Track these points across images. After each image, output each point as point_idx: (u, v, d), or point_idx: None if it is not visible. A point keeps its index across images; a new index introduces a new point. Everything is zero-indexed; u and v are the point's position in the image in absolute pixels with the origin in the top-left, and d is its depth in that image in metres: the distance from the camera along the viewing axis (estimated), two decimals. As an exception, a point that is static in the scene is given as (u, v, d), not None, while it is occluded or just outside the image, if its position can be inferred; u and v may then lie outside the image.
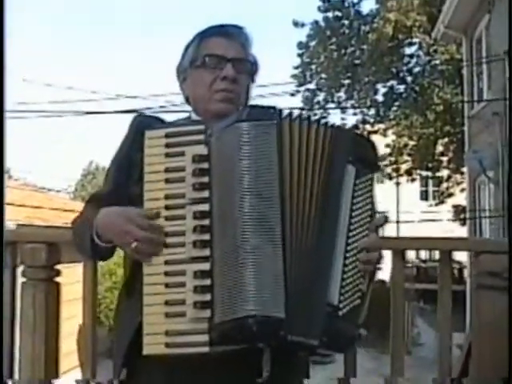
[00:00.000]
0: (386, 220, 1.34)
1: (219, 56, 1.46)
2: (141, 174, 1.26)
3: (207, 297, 1.17)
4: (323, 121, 1.30)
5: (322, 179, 1.25)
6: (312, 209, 1.23)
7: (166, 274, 1.20)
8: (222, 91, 1.45)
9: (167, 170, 1.24)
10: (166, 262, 1.21)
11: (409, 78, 16.59)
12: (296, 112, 1.28)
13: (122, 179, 1.41)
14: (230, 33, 1.50)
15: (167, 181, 1.24)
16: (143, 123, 1.40)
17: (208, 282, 1.18)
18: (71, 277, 2.58)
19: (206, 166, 1.23)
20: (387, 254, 2.30)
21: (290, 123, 1.24)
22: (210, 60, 1.46)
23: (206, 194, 1.22)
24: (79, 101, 13.90)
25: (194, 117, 1.52)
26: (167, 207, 1.23)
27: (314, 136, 1.26)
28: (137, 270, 1.27)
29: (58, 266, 2.15)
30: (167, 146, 1.25)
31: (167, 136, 1.26)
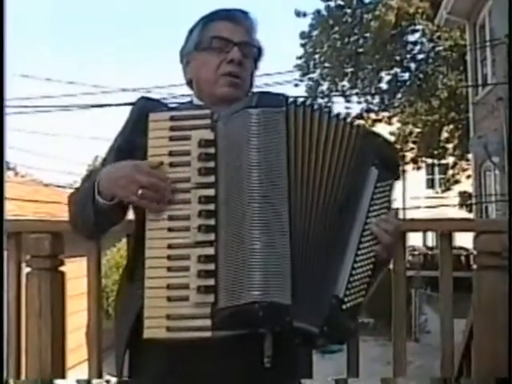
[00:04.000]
0: (396, 213, 1.35)
1: (226, 39, 1.45)
2: (144, 158, 1.24)
3: (211, 281, 1.16)
4: (349, 119, 1.31)
5: (340, 174, 1.24)
6: (321, 198, 1.22)
7: (170, 257, 1.18)
8: (227, 75, 1.44)
9: (171, 154, 1.22)
10: (170, 246, 1.19)
11: (412, 65, 16.53)
12: (304, 99, 1.28)
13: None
14: (236, 17, 1.49)
15: (171, 164, 1.22)
16: (147, 106, 1.38)
17: (212, 266, 1.17)
18: (77, 271, 2.58)
19: (212, 150, 1.22)
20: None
21: (296, 110, 1.23)
22: (216, 42, 1.45)
23: (211, 178, 1.21)
24: (83, 94, 13.89)
25: (196, 101, 1.51)
26: (172, 191, 1.21)
27: (341, 132, 1.26)
28: (138, 253, 1.25)
29: (64, 261, 2.15)
30: (172, 129, 1.23)
31: (172, 119, 1.24)
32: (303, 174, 1.21)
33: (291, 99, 1.24)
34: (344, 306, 1.21)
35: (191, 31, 1.52)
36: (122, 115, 1.48)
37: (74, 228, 1.42)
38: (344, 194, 1.25)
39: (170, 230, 1.20)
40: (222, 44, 1.45)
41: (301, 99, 1.27)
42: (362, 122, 14.41)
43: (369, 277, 1.25)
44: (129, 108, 1.49)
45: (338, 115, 1.28)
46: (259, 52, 1.53)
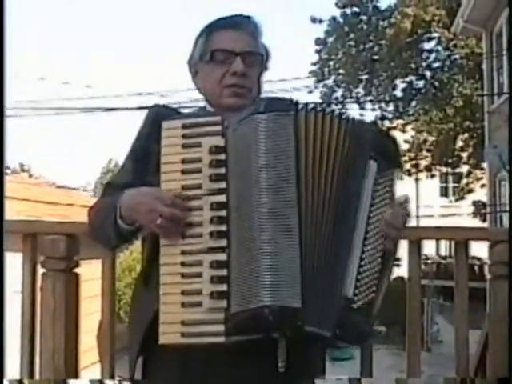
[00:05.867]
0: (407, 200, 1.32)
1: (227, 50, 1.45)
2: (157, 165, 1.26)
3: (223, 287, 1.18)
4: (345, 115, 1.30)
5: (342, 173, 1.25)
6: (330, 202, 1.23)
7: (183, 264, 1.21)
8: (231, 86, 1.45)
9: (184, 161, 1.25)
10: (183, 252, 1.21)
11: (428, 73, 16.47)
12: (312, 104, 1.28)
13: (139, 170, 1.41)
14: (238, 24, 1.48)
15: (184, 172, 1.24)
16: (160, 114, 1.40)
17: (224, 272, 1.18)
18: (92, 273, 2.61)
19: (222, 157, 1.24)
20: (403, 247, 2.28)
21: (306, 115, 1.24)
22: (218, 55, 1.45)
23: (222, 184, 1.23)
24: (98, 98, 13.99)
25: (210, 108, 1.52)
26: (184, 197, 1.23)
27: (336, 130, 1.26)
28: (153, 260, 1.27)
29: (79, 263, 2.18)
30: (184, 136, 1.26)
31: (184, 127, 1.26)
32: (312, 178, 1.22)
33: (301, 104, 1.25)
34: (355, 305, 1.21)
35: (196, 40, 1.52)
36: (137, 119, 1.50)
37: (92, 239, 1.46)
38: (348, 194, 1.25)
39: (183, 236, 1.22)
40: (224, 56, 1.45)
41: (311, 104, 1.28)
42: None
43: (378, 272, 1.25)
44: (143, 112, 1.51)
45: (346, 118, 1.29)
46: (265, 56, 1.53)
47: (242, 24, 1.49)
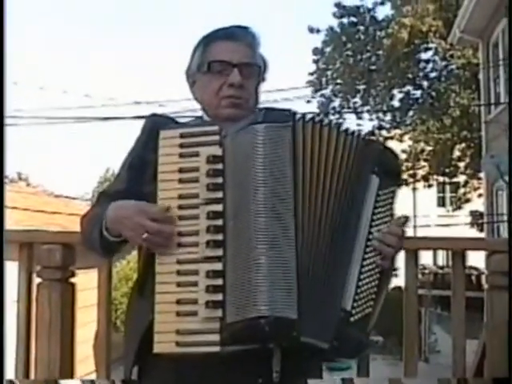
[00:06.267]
0: (406, 220, 1.33)
1: (225, 62, 1.45)
2: (154, 174, 1.27)
3: (219, 296, 1.17)
4: (351, 129, 1.31)
5: (343, 185, 1.26)
6: (328, 213, 1.23)
7: (179, 272, 1.21)
8: (229, 97, 1.45)
9: (181, 170, 1.25)
10: (179, 261, 1.21)
11: (425, 83, 16.53)
12: (311, 115, 1.29)
13: (135, 178, 1.42)
14: (236, 35, 1.49)
15: (181, 181, 1.25)
16: (157, 123, 1.40)
17: (220, 281, 1.18)
18: (88, 283, 2.60)
19: (220, 166, 1.24)
20: (400, 256, 2.29)
21: (304, 126, 1.25)
22: (215, 66, 1.46)
23: (219, 194, 1.23)
24: (96, 107, 14.01)
25: (207, 118, 1.53)
26: (181, 207, 1.23)
27: (335, 142, 1.26)
28: (149, 268, 1.27)
29: (75, 272, 2.17)
30: (181, 146, 1.26)
31: (182, 136, 1.27)
32: (309, 188, 1.22)
33: (299, 115, 1.26)
34: (352, 319, 1.21)
35: (194, 51, 1.53)
36: (134, 128, 1.51)
37: (84, 248, 1.46)
38: (348, 206, 1.26)
39: (179, 245, 1.22)
40: (221, 67, 1.45)
41: (309, 115, 1.29)
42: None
43: (375, 287, 1.26)
44: (141, 121, 1.52)
45: (346, 130, 1.29)
46: (263, 68, 1.53)
47: (239, 35, 1.49)
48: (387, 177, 1.31)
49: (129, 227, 1.25)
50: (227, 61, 1.45)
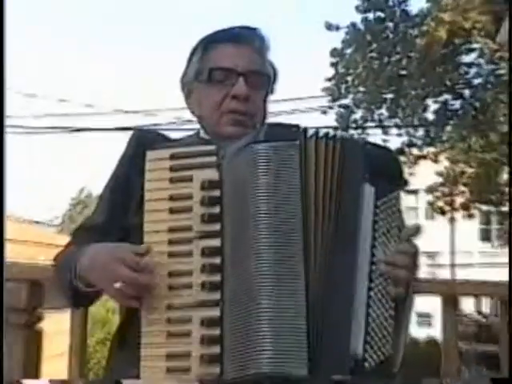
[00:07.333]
0: (418, 230, 1.32)
1: (228, 69, 1.47)
2: (141, 202, 1.28)
3: (216, 349, 1.19)
4: (330, 134, 1.29)
5: (336, 205, 1.24)
6: (340, 251, 1.23)
7: (169, 321, 1.22)
8: (232, 112, 1.47)
9: (172, 198, 1.27)
10: (169, 307, 1.22)
11: (467, 92, 16.51)
12: (326, 131, 1.29)
13: (118, 207, 1.44)
14: (241, 37, 1.50)
15: (171, 211, 1.27)
16: (144, 141, 1.42)
17: (217, 331, 1.20)
18: (58, 326, 2.61)
19: (217, 193, 1.26)
20: (436, 302, 2.28)
21: (317, 143, 1.25)
22: (216, 75, 1.47)
23: (216, 226, 1.25)
24: (70, 115, 14.09)
25: (204, 134, 1.54)
26: (171, 242, 1.25)
27: (331, 155, 1.25)
28: (133, 315, 1.29)
29: (43, 315, 2.18)
30: (172, 169, 1.28)
31: (172, 158, 1.29)
32: (322, 221, 1.23)
33: (311, 131, 1.26)
34: (367, 364, 1.20)
35: (191, 56, 1.54)
36: (116, 141, 1.53)
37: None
38: (342, 228, 1.24)
39: (170, 288, 1.24)
40: (224, 75, 1.47)
41: (323, 130, 1.29)
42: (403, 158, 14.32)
43: (391, 322, 1.24)
44: (124, 133, 1.54)
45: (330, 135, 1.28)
46: (272, 77, 1.55)
47: (245, 38, 1.50)
48: (383, 181, 1.29)
49: (102, 276, 1.26)
50: (231, 68, 1.46)
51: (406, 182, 1.38)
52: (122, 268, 1.22)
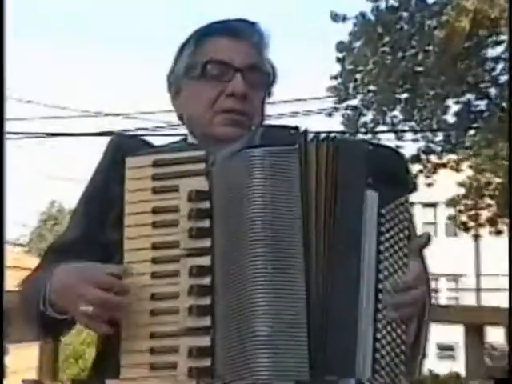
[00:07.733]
0: (428, 240, 1.33)
1: (224, 63, 1.48)
2: (120, 216, 1.29)
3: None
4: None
5: (339, 217, 1.26)
6: (345, 264, 1.25)
7: (152, 351, 1.22)
8: (227, 112, 1.48)
9: (155, 211, 1.28)
10: (152, 336, 1.23)
11: (493, 91, 16.54)
12: (328, 134, 1.30)
13: (95, 221, 1.44)
14: (239, 31, 1.52)
15: (155, 225, 1.27)
16: (124, 147, 1.43)
17: (208, 363, 1.20)
18: (25, 362, 2.61)
19: (206, 205, 1.27)
20: (459, 331, 2.27)
21: (318, 147, 1.26)
22: (212, 69, 1.49)
23: (206, 242, 1.26)
24: (40, 118, 14.10)
25: (192, 140, 1.56)
26: (154, 260, 1.26)
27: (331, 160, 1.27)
28: (111, 346, 1.29)
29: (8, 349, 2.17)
30: (155, 178, 1.29)
31: (155, 165, 1.30)
32: (323, 234, 1.24)
33: (312, 134, 1.28)
34: None
35: (181, 49, 1.56)
36: (93, 147, 1.54)
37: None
38: (344, 240, 1.26)
39: (152, 313, 1.24)
40: (220, 70, 1.48)
41: (325, 134, 1.30)
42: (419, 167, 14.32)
43: (402, 346, 1.24)
44: (102, 139, 1.55)
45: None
46: (271, 76, 1.57)
47: (243, 32, 1.52)
48: (388, 186, 1.30)
49: (71, 299, 1.25)
50: (227, 62, 1.48)
51: (415, 186, 1.38)
52: (92, 289, 1.21)
